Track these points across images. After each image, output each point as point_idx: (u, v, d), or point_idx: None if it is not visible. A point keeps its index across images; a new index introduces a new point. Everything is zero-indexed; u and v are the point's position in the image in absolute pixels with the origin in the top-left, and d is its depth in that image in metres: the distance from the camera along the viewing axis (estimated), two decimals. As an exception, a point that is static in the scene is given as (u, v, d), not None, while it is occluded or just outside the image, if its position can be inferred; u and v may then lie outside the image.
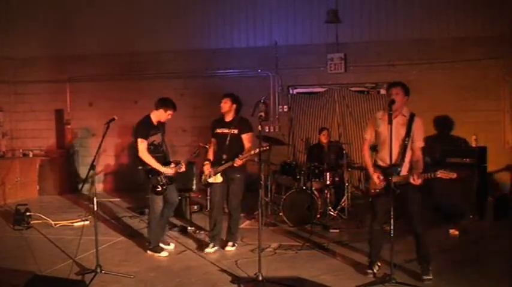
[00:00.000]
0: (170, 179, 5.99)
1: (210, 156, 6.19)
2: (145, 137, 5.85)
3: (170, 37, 10.98)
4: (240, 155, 5.76)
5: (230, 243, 6.15)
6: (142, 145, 5.83)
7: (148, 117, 6.00)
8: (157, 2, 11.00)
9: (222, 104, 6.04)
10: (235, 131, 5.97)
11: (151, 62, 11.07)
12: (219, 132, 6.08)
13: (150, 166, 5.85)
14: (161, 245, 6.08)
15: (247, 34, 10.81)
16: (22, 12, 11.37)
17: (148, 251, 6.01)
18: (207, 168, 6.07)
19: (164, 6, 10.95)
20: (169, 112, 6.03)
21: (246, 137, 5.97)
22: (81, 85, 11.42)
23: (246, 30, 10.80)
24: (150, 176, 5.86)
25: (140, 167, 5.91)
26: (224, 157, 5.94)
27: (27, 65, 11.67)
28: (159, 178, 5.85)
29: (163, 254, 5.94)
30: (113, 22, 11.08)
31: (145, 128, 5.91)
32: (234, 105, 6.05)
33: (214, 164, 6.05)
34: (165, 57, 10.99)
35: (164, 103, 6.03)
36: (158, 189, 5.85)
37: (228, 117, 6.06)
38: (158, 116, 6.02)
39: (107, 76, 11.19)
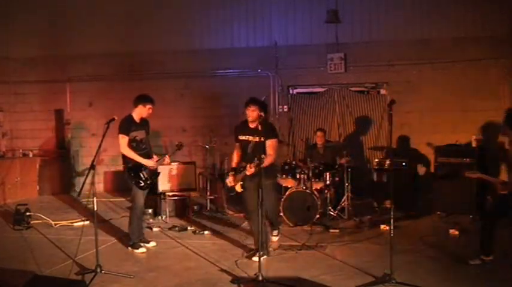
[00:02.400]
0: (152, 176, 6.10)
1: (234, 164, 5.94)
2: (126, 133, 5.98)
3: (170, 37, 10.97)
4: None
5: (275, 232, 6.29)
6: (123, 140, 5.98)
7: (129, 115, 6.14)
8: (157, 2, 10.99)
9: (248, 112, 5.65)
10: (260, 139, 5.48)
11: (151, 62, 11.07)
12: (242, 139, 5.82)
13: (132, 161, 5.96)
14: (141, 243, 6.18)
15: (247, 34, 10.80)
16: (22, 12, 11.36)
17: (129, 248, 6.10)
18: (230, 180, 5.82)
19: (164, 6, 10.94)
20: (148, 106, 6.11)
21: (269, 144, 5.62)
22: (81, 85, 11.41)
23: (246, 30, 10.80)
24: (132, 173, 5.97)
25: (124, 165, 6.05)
26: (243, 164, 5.69)
27: (27, 65, 11.66)
28: (141, 174, 5.97)
29: (141, 250, 6.04)
30: (113, 22, 11.08)
31: (126, 124, 6.03)
32: (262, 114, 5.56)
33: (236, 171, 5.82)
34: (165, 57, 10.98)
35: (141, 98, 6.14)
36: (141, 184, 5.98)
37: (253, 124, 5.67)
38: (139, 113, 6.12)
39: (107, 76, 11.19)
